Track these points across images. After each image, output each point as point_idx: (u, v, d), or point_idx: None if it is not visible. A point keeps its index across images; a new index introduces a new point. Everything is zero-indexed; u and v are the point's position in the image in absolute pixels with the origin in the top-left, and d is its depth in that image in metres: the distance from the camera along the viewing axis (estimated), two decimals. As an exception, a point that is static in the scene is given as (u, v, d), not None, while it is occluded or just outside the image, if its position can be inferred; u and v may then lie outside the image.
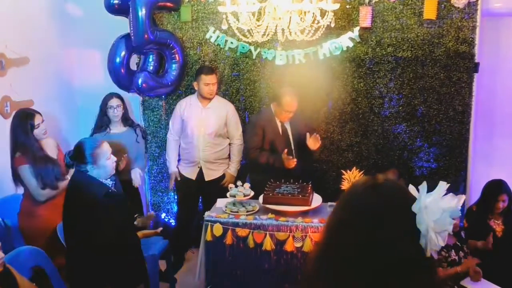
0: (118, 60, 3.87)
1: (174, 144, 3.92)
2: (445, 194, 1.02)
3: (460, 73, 3.67)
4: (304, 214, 3.06)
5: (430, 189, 1.04)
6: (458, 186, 3.80)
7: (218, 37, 3.93)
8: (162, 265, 3.53)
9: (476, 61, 3.64)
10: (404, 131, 3.83)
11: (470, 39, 3.61)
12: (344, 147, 3.95)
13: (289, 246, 2.96)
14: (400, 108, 3.81)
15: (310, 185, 3.25)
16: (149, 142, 4.22)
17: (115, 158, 2.62)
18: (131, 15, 3.65)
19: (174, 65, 3.94)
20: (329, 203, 3.17)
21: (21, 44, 3.59)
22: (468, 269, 2.96)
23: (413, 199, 1.00)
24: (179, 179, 3.91)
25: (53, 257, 2.84)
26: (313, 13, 2.65)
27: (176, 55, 3.91)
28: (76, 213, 2.47)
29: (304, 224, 2.97)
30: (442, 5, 3.60)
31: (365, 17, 3.66)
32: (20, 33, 3.60)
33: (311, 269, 1.05)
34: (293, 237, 2.96)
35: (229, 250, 3.05)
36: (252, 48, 3.87)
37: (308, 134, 3.46)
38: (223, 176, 3.90)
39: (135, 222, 2.83)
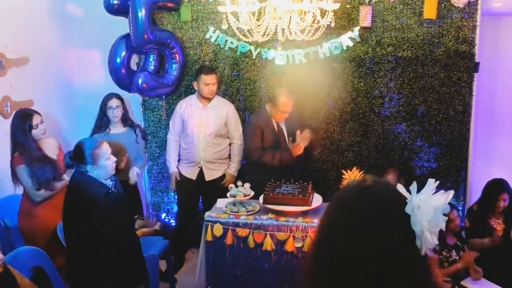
0: (118, 60, 3.86)
1: (174, 144, 3.92)
2: (436, 192, 1.02)
3: (460, 73, 3.66)
4: (304, 214, 3.05)
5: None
6: (458, 186, 3.79)
7: (218, 37, 3.92)
8: (162, 265, 3.53)
9: (476, 60, 3.63)
10: (404, 131, 3.83)
11: (470, 38, 3.60)
12: (344, 147, 3.94)
13: (289, 246, 2.95)
14: (400, 107, 3.80)
15: (311, 185, 3.24)
16: (149, 142, 4.22)
17: (115, 159, 2.62)
18: (130, 15, 3.64)
19: (174, 65, 3.93)
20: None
21: (21, 44, 3.58)
22: (468, 266, 2.95)
23: (404, 200, 1.01)
24: (178, 179, 3.90)
25: (53, 258, 2.84)
26: (313, 13, 2.64)
27: (176, 55, 3.91)
28: (76, 214, 2.47)
29: (304, 224, 2.96)
30: (442, 5, 3.59)
31: (365, 16, 3.66)
32: (20, 33, 3.60)
33: (307, 269, 1.07)
34: (294, 237, 2.95)
35: (229, 250, 3.05)
36: (252, 48, 3.87)
37: (298, 132, 3.45)
38: (224, 176, 3.89)
39: (135, 226, 2.82)
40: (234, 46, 3.91)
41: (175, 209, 4.27)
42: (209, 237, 3.05)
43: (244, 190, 3.28)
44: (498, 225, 3.28)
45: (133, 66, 4.04)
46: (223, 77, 4.02)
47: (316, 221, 2.97)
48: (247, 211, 3.12)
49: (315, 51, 3.77)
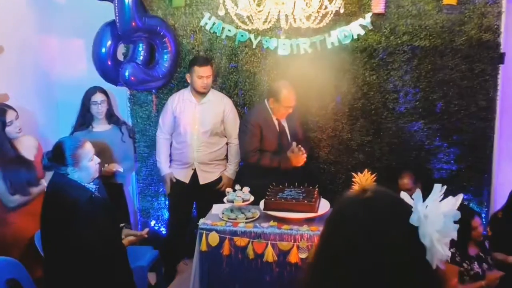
0: (103, 50, 3.86)
1: (165, 143, 3.92)
2: (443, 198, 1.04)
3: (483, 65, 3.67)
4: (309, 221, 3.05)
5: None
6: (481, 191, 3.80)
7: (214, 24, 3.92)
8: (152, 277, 3.53)
9: (502, 51, 3.64)
10: (421, 129, 3.83)
11: (495, 26, 3.60)
12: (354, 147, 3.95)
13: (293, 257, 2.95)
14: (417, 103, 3.80)
15: (317, 189, 3.24)
16: (138, 142, 4.22)
17: (98, 160, 2.62)
18: (116, 0, 3.63)
19: (165, 56, 3.93)
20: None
21: (-5, 31, 3.58)
22: (493, 285, 2.94)
23: (409, 210, 1.03)
24: (174, 181, 3.90)
25: (30, 269, 2.85)
26: (320, -3, 2.64)
27: (168, 45, 3.90)
28: (56, 221, 2.47)
29: (310, 232, 2.96)
30: (464, -11, 3.60)
31: (378, 2, 3.66)
32: (-7, 20, 3.60)
33: (307, 278, 1.11)
34: (298, 247, 2.95)
35: (227, 262, 3.05)
36: (252, 36, 3.87)
37: (294, 144, 3.44)
38: (220, 179, 3.90)
39: (122, 236, 2.82)
40: (232, 34, 3.90)
41: (166, 215, 4.27)
42: (203, 247, 3.04)
43: (243, 194, 3.28)
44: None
45: (120, 57, 4.04)
46: (220, 69, 4.02)
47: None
48: (246, 218, 3.12)
49: (322, 40, 3.77)
